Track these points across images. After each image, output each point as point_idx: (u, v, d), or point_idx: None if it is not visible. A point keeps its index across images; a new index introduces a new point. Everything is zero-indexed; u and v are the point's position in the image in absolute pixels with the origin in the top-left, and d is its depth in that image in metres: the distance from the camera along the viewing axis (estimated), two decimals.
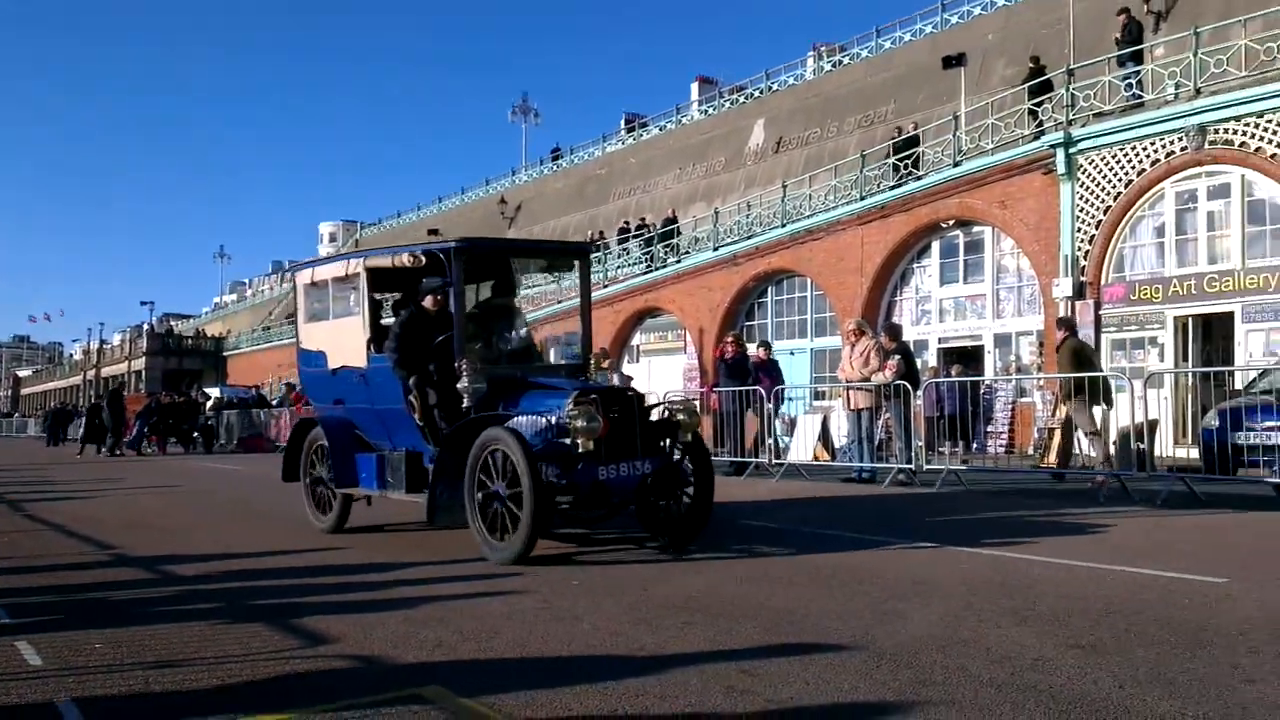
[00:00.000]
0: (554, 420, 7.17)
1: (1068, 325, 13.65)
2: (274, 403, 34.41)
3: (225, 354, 67.46)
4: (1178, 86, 18.44)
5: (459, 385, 7.55)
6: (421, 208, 58.79)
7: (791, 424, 16.91)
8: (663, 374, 28.09)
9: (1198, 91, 17.93)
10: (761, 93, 39.26)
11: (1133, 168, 18.86)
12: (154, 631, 5.17)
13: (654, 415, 7.95)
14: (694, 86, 48.11)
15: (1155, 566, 6.54)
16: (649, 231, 32.39)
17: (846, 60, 36.24)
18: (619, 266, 33.28)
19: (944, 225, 22.87)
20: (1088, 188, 19.53)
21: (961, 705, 3.75)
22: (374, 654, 4.66)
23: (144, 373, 65.20)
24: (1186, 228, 18.56)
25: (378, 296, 9.01)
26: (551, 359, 9.65)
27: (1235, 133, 17.36)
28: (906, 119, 27.76)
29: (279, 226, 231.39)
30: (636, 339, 31.70)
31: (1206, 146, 17.74)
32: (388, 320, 8.89)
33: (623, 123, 48.61)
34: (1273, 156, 16.87)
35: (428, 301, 8.05)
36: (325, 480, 8.96)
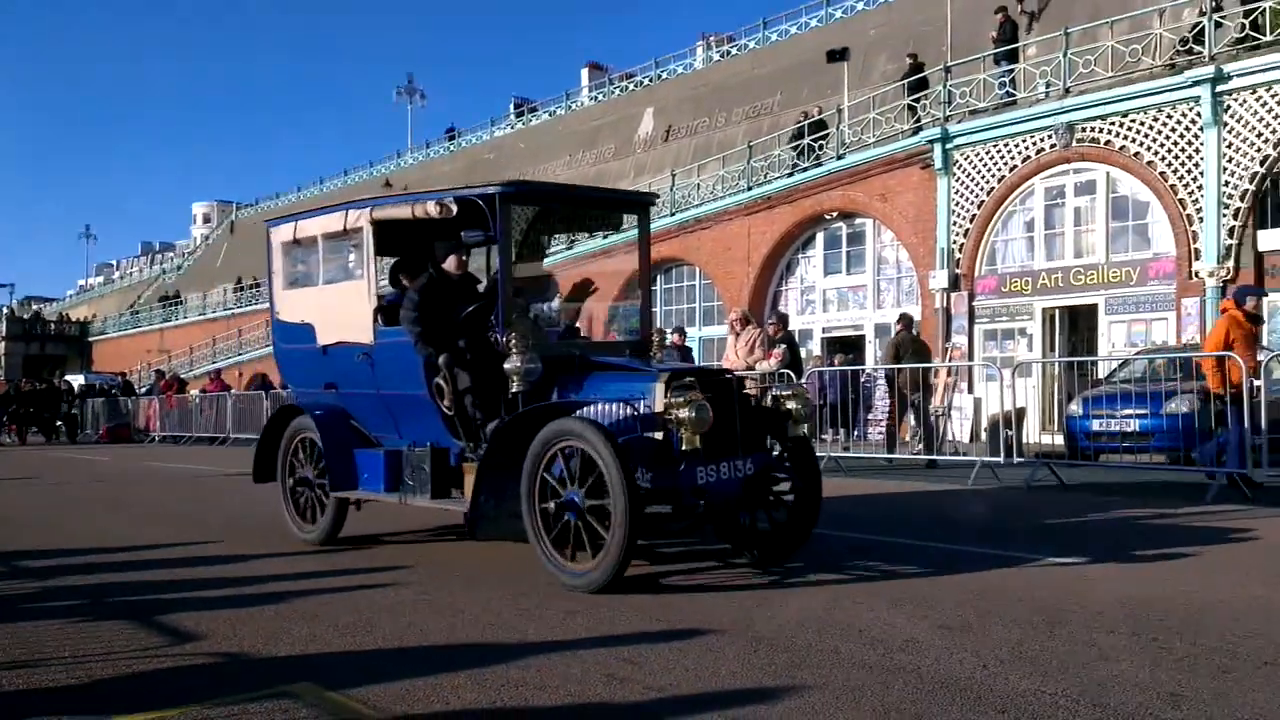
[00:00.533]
0: (640, 409, 5.84)
1: (903, 320, 14.63)
2: (142, 390, 33.08)
3: (91, 339, 64.56)
4: (1048, 85, 19.19)
5: (507, 366, 6.14)
6: (302, 189, 57.11)
7: None
8: None
9: (1067, 91, 18.68)
10: (651, 81, 39.36)
11: (1005, 164, 19.55)
12: (9, 630, 4.91)
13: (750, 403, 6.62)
14: (584, 73, 47.91)
15: (1022, 550, 6.79)
16: None
17: (735, 51, 36.60)
18: None
19: (828, 217, 23.34)
20: (963, 182, 20.17)
21: (834, 687, 3.83)
22: (243, 650, 4.51)
23: (3, 359, 61.94)
24: (1054, 223, 19.35)
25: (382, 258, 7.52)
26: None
27: (1101, 131, 18.15)
28: (792, 111, 28.19)
29: (149, 206, 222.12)
30: None
31: (1074, 144, 18.51)
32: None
33: (512, 106, 48.14)
34: (1135, 154, 17.70)
35: (450, 263, 6.74)
36: (312, 482, 7.46)
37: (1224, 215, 16.71)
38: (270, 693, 3.86)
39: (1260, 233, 16.71)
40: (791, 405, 6.32)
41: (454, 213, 6.40)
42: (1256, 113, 16.36)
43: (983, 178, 19.86)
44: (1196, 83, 16.72)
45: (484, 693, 3.86)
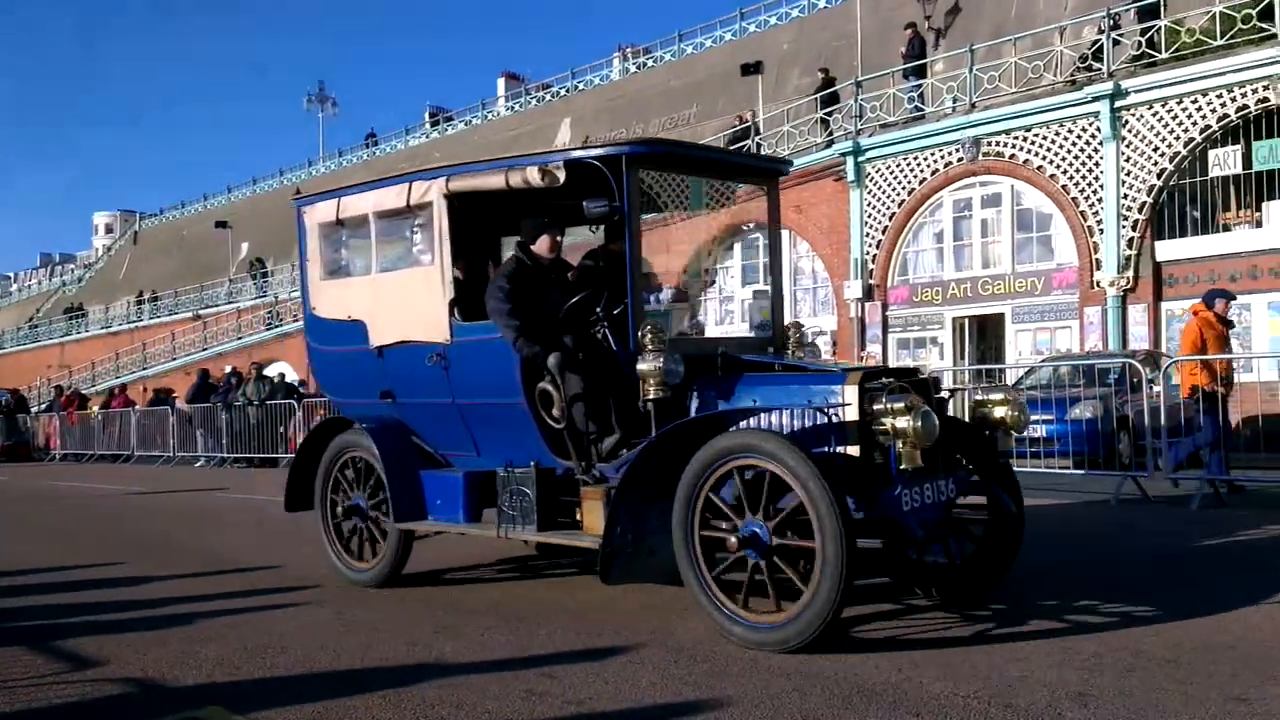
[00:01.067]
0: (832, 418, 4.79)
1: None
2: (41, 407, 31.86)
3: None
4: (955, 101, 19.67)
5: (642, 366, 5.06)
6: (209, 198, 55.74)
7: None
8: None
9: (973, 106, 19.18)
10: (568, 91, 39.37)
11: (915, 176, 19.98)
12: None
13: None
14: (500, 82, 47.70)
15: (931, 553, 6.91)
16: None
17: (650, 63, 36.82)
18: None
19: (745, 227, 23.57)
20: (875, 195, 20.56)
21: (753, 696, 3.85)
22: (148, 676, 4.36)
23: None
24: (963, 234, 19.84)
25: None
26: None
27: (1006, 145, 18.67)
28: (709, 122, 28.45)
29: (48, 216, 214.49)
30: None
31: (980, 158, 19.00)
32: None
33: (427, 116, 47.69)
34: (1039, 168, 18.25)
35: (541, 244, 5.72)
36: (365, 510, 6.34)
37: (1123, 227, 17.30)
38: (176, 718, 3.74)
39: (1158, 243, 17.34)
40: (1003, 413, 5.26)
41: (560, 181, 5.32)
42: (1153, 127, 17.00)
43: (894, 190, 20.27)
44: (1096, 98, 17.31)
45: (399, 713, 3.78)
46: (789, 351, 5.97)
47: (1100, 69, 17.74)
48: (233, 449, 19.57)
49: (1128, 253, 17.27)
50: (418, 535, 6.24)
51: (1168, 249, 17.31)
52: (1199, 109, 16.55)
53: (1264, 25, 15.93)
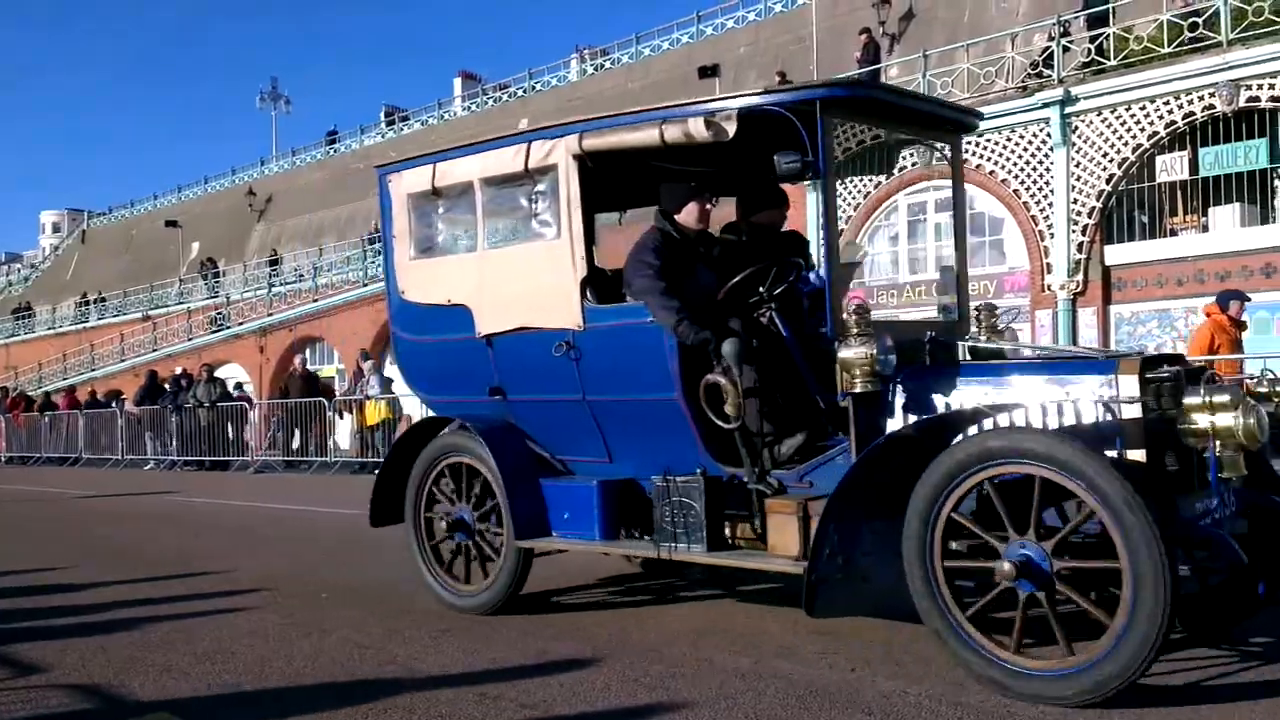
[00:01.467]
0: (1111, 415, 3.95)
1: None
2: None
3: None
4: None
5: (847, 354, 4.26)
6: (159, 197, 54.80)
7: None
8: None
9: None
10: (525, 92, 39.27)
11: (870, 180, 20.14)
12: None
13: None
14: (457, 82, 47.48)
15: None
16: None
17: (608, 65, 36.85)
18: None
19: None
20: None
21: (708, 697, 3.86)
22: (92, 683, 4.28)
23: None
24: (918, 237, 20.07)
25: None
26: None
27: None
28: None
29: None
30: None
31: (934, 162, 19.17)
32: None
33: (382, 115, 47.30)
34: (990, 173, 18.49)
35: (688, 213, 4.97)
36: (471, 525, 5.45)
37: (1073, 231, 17.58)
38: None
39: (1107, 248, 17.63)
40: None
41: (730, 135, 4.49)
42: (1102, 133, 17.28)
43: (850, 193, 20.43)
44: (1047, 105, 17.56)
45: (350, 717, 3.75)
46: (981, 337, 5.14)
47: (1051, 75, 18.00)
48: (183, 451, 19.29)
49: (1077, 257, 17.54)
50: (537, 554, 5.40)
51: (1116, 253, 17.60)
52: (1147, 116, 16.84)
53: (1209, 34, 16.26)
